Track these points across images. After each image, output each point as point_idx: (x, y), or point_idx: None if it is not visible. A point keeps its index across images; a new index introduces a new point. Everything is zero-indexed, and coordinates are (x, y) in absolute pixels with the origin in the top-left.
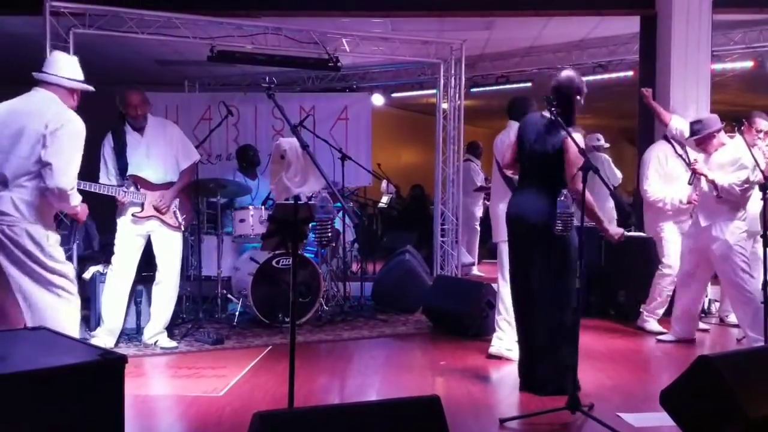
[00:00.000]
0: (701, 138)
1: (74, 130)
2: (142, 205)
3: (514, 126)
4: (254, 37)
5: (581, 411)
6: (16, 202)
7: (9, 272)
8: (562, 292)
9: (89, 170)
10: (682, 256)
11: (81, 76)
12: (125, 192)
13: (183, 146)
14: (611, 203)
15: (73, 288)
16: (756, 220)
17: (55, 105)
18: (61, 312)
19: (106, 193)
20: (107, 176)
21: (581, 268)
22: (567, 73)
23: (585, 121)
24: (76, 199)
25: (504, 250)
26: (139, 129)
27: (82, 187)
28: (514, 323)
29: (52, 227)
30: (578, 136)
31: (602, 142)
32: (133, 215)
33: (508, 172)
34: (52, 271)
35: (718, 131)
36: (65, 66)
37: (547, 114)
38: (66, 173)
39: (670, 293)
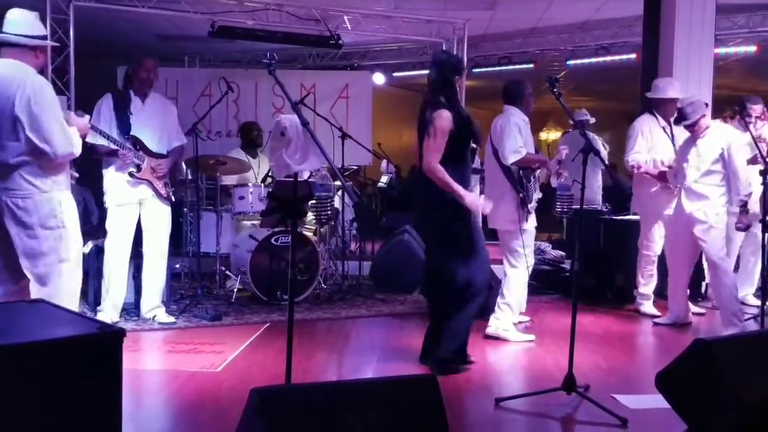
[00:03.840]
0: (692, 123)
1: (45, 98)
2: (138, 167)
3: (510, 110)
4: (255, 13)
5: (577, 392)
6: (27, 177)
7: (21, 249)
8: None
9: None
10: (670, 242)
11: (42, 32)
12: (128, 148)
13: (176, 127)
14: (599, 183)
15: (79, 258)
16: (756, 204)
17: (15, 80)
18: (64, 285)
19: (111, 146)
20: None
21: (579, 251)
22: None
23: (587, 103)
24: (79, 148)
25: (505, 238)
26: (143, 96)
27: (92, 140)
28: (513, 306)
29: (68, 189)
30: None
31: (588, 116)
32: (130, 174)
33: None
34: (60, 238)
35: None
36: (24, 23)
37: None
38: (65, 140)
39: (653, 272)
